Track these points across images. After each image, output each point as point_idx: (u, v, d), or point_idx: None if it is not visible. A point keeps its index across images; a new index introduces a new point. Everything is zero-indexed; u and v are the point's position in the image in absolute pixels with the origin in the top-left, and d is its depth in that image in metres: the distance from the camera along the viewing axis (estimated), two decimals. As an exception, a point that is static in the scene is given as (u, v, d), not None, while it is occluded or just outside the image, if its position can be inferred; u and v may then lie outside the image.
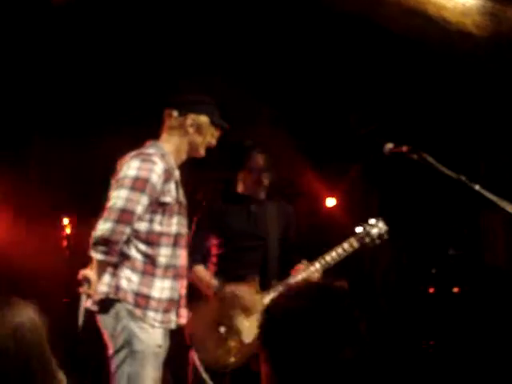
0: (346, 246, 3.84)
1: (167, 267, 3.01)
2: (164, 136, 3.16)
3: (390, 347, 5.80)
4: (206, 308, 3.72)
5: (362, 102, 6.09)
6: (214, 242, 3.85)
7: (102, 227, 2.86)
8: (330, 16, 4.45)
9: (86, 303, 2.91)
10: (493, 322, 5.50)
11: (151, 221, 2.97)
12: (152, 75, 5.60)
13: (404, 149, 2.74)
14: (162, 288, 2.98)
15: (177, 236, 3.04)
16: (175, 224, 3.03)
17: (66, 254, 5.44)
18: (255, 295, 3.74)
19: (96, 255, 2.88)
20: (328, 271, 3.87)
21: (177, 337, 3.24)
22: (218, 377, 3.61)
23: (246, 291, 3.70)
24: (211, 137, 3.19)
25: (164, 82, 5.29)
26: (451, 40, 4.09)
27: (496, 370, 5.19)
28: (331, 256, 3.80)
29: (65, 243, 5.48)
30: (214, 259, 3.86)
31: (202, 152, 3.20)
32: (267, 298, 3.75)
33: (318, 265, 3.80)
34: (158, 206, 2.97)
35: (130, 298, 2.91)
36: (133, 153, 3.04)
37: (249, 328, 3.70)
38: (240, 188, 3.93)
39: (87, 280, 2.90)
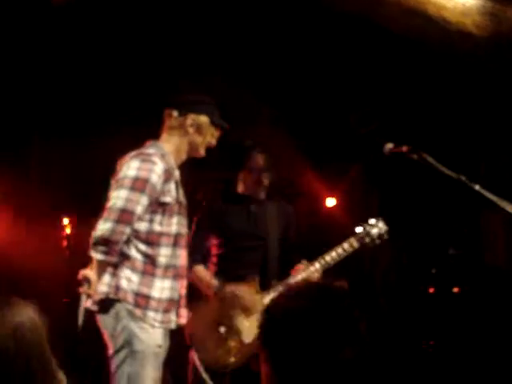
0: (346, 246, 3.84)
1: (167, 267, 3.01)
2: (164, 136, 3.16)
3: (390, 347, 5.80)
4: (206, 308, 3.72)
5: (362, 101, 6.09)
6: (214, 242, 3.84)
7: (102, 227, 2.86)
8: (330, 16, 4.44)
9: (86, 303, 2.92)
10: (493, 322, 5.50)
11: (151, 221, 2.97)
12: (152, 75, 5.59)
13: (404, 149, 2.74)
14: (161, 288, 2.98)
15: (177, 236, 3.04)
16: (175, 224, 3.03)
17: (66, 254, 5.44)
18: (255, 295, 3.74)
19: (96, 255, 2.88)
20: (328, 271, 3.87)
21: (177, 337, 3.24)
22: (217, 377, 3.61)
23: (246, 291, 3.70)
24: (211, 137, 3.19)
25: (164, 82, 5.29)
26: (451, 40, 4.09)
27: (496, 369, 5.19)
28: (331, 256, 3.80)
29: (65, 243, 5.48)
30: (214, 259, 3.85)
31: (202, 152, 3.20)
32: (267, 298, 3.75)
33: (317, 265, 3.80)
34: (157, 206, 2.97)
35: (130, 298, 2.91)
36: (133, 153, 3.04)
37: (249, 328, 3.70)
38: (240, 188, 3.93)
39: (87, 280, 2.90)
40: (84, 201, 5.54)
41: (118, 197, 2.91)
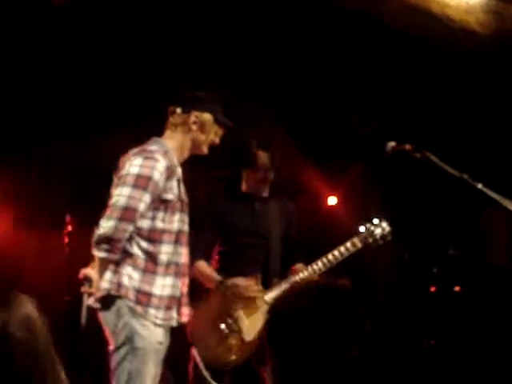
0: (348, 245, 3.83)
1: (168, 264, 3.00)
2: (167, 133, 3.15)
3: (392, 346, 5.79)
4: (207, 306, 3.72)
5: (364, 99, 6.08)
6: (216, 239, 3.84)
7: (105, 225, 2.85)
8: (332, 13, 4.44)
9: (88, 301, 2.91)
10: (494, 322, 5.49)
11: (153, 218, 2.96)
12: (152, 75, 5.59)
13: (406, 147, 2.74)
14: (163, 285, 2.98)
15: (178, 233, 3.04)
16: (177, 221, 3.02)
17: (67, 254, 5.44)
18: (257, 290, 3.74)
19: (99, 253, 2.88)
20: (330, 270, 3.86)
21: (178, 334, 3.23)
22: (218, 374, 3.61)
23: (248, 283, 3.70)
24: (214, 135, 3.18)
25: (164, 81, 5.29)
26: (455, 38, 4.09)
27: (497, 369, 5.18)
28: (334, 255, 3.79)
29: (65, 243, 5.47)
30: (216, 256, 3.85)
31: (204, 150, 3.19)
32: (268, 296, 3.74)
33: (320, 264, 3.79)
34: (160, 204, 2.96)
35: (132, 295, 2.91)
36: (135, 150, 3.03)
37: (250, 326, 3.70)
38: (243, 186, 3.91)
39: (88, 279, 2.89)
40: (84, 201, 5.54)
41: (120, 194, 2.90)
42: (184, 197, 3.11)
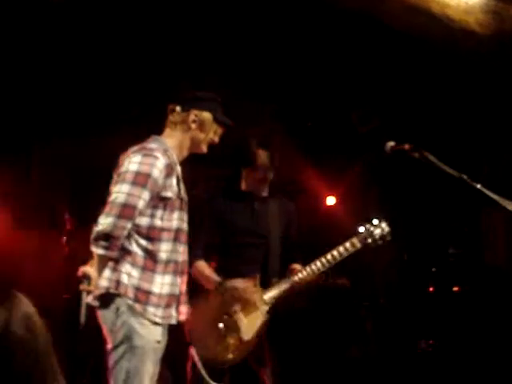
0: (348, 245, 3.82)
1: (167, 262, 3.00)
2: (167, 131, 3.16)
3: (390, 346, 5.79)
4: (205, 305, 3.72)
5: (363, 99, 6.08)
6: (215, 238, 3.83)
7: (104, 222, 2.86)
8: (332, 13, 4.44)
9: (87, 299, 2.91)
10: (493, 322, 5.49)
11: (152, 216, 2.96)
12: (152, 74, 5.59)
13: (406, 147, 2.74)
14: (162, 283, 2.98)
15: (177, 231, 3.04)
16: (176, 219, 3.03)
17: (66, 254, 5.44)
18: (255, 292, 3.74)
19: (97, 250, 2.88)
20: (329, 270, 3.86)
21: (176, 333, 3.23)
22: (216, 373, 3.61)
23: (246, 286, 3.70)
24: (214, 134, 3.18)
25: (164, 81, 5.28)
26: (454, 38, 4.09)
27: (496, 369, 5.18)
28: (333, 255, 3.79)
29: (64, 242, 5.47)
30: (215, 255, 3.85)
31: (204, 148, 3.19)
32: (267, 296, 3.75)
33: (319, 264, 3.79)
34: (159, 201, 2.96)
35: (131, 293, 2.91)
36: (135, 147, 3.04)
37: (248, 325, 3.70)
38: (243, 185, 3.91)
39: (87, 277, 2.89)
40: (84, 201, 5.54)
41: (119, 191, 2.90)
42: (183, 195, 3.12)
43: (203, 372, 3.53)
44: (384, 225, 3.91)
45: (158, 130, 3.18)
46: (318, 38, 5.28)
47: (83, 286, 2.90)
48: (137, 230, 2.94)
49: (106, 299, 2.92)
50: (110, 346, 2.95)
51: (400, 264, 6.50)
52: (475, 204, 5.79)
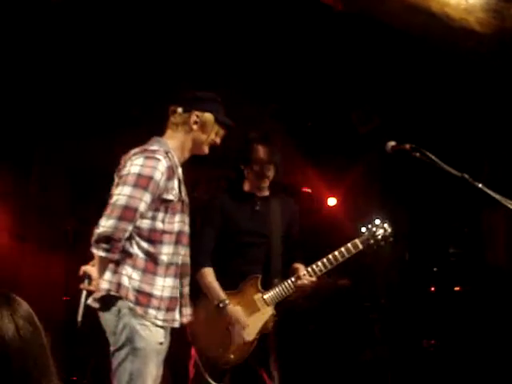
0: (350, 246, 3.81)
1: (169, 265, 2.99)
2: (168, 132, 3.14)
3: (392, 346, 5.79)
4: (207, 305, 3.71)
5: (364, 99, 6.08)
6: (218, 238, 3.81)
7: (105, 224, 2.85)
8: (332, 13, 4.42)
9: (87, 300, 2.90)
10: (494, 321, 5.49)
11: (153, 218, 2.95)
12: (153, 75, 5.58)
13: (406, 147, 2.73)
14: (163, 286, 2.97)
15: (179, 234, 3.03)
16: (177, 222, 3.02)
17: (66, 253, 5.44)
18: (256, 292, 3.73)
19: (98, 252, 2.87)
20: (331, 270, 3.85)
21: (178, 334, 3.22)
22: (218, 374, 3.61)
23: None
24: (215, 135, 3.16)
25: (165, 81, 5.28)
26: (454, 37, 4.08)
27: (497, 369, 5.18)
28: (335, 256, 3.78)
29: (65, 242, 5.47)
30: (218, 255, 3.83)
31: (205, 150, 3.18)
32: (268, 296, 3.74)
33: (321, 265, 3.78)
34: (160, 204, 2.96)
35: (132, 295, 2.90)
36: (137, 149, 3.02)
37: (250, 326, 3.69)
38: (246, 186, 3.88)
39: (88, 276, 2.89)
40: (84, 201, 5.54)
41: (120, 194, 2.90)
42: (185, 197, 3.10)
43: (205, 372, 3.53)
44: (386, 225, 3.90)
45: (158, 130, 3.17)
46: (318, 38, 5.28)
47: (84, 285, 2.89)
48: (138, 232, 2.93)
49: (107, 301, 2.92)
50: (112, 348, 2.94)
51: (401, 264, 6.49)
52: (476, 204, 5.78)
